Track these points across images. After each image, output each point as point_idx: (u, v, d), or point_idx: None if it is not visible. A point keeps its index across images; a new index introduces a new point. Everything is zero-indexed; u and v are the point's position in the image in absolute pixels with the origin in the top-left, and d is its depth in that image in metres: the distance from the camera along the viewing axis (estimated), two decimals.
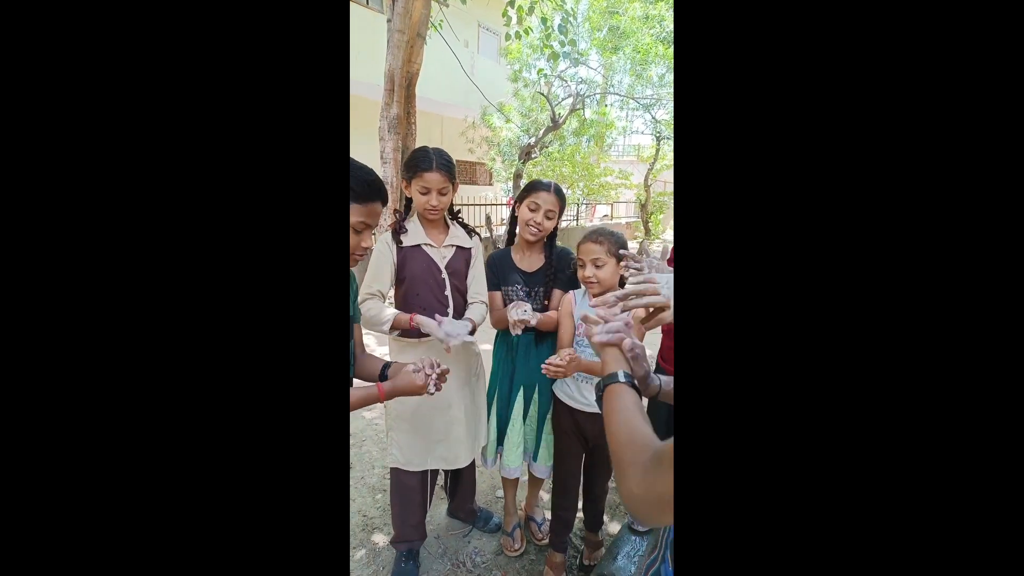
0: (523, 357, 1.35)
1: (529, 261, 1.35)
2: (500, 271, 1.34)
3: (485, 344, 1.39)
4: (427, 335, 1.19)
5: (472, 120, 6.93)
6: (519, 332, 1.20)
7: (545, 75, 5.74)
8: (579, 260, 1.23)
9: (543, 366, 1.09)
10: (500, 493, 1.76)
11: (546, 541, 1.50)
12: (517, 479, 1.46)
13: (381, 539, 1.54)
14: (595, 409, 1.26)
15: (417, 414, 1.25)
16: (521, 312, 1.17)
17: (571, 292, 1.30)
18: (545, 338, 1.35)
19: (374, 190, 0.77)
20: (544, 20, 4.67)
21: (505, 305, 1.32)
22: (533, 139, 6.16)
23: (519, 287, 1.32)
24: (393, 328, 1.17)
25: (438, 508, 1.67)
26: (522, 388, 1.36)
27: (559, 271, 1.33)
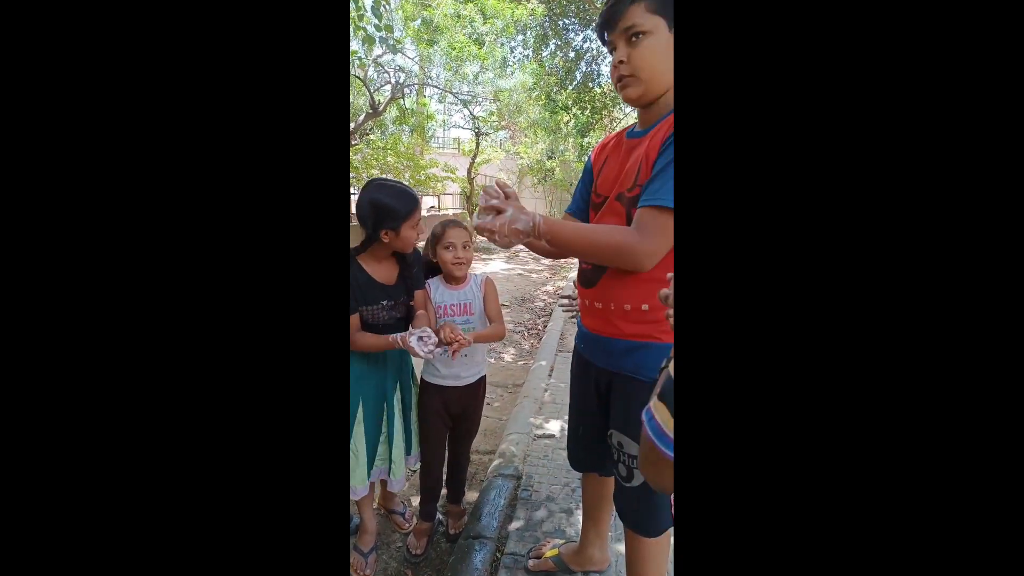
0: (393, 362, 1.31)
1: (386, 272, 1.25)
2: (358, 291, 1.20)
3: None
4: None
5: None
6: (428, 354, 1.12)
7: (360, 59, 5.43)
8: (448, 244, 1.27)
9: (451, 349, 1.15)
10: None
11: (411, 526, 1.53)
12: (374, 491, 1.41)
13: None
14: (461, 382, 1.35)
15: None
16: (427, 350, 1.10)
17: (428, 281, 1.35)
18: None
19: None
20: (355, 0, 4.40)
21: (367, 323, 1.22)
22: (352, 125, 5.79)
23: (384, 303, 1.23)
24: None
25: None
26: (396, 393, 1.32)
27: (416, 273, 1.30)
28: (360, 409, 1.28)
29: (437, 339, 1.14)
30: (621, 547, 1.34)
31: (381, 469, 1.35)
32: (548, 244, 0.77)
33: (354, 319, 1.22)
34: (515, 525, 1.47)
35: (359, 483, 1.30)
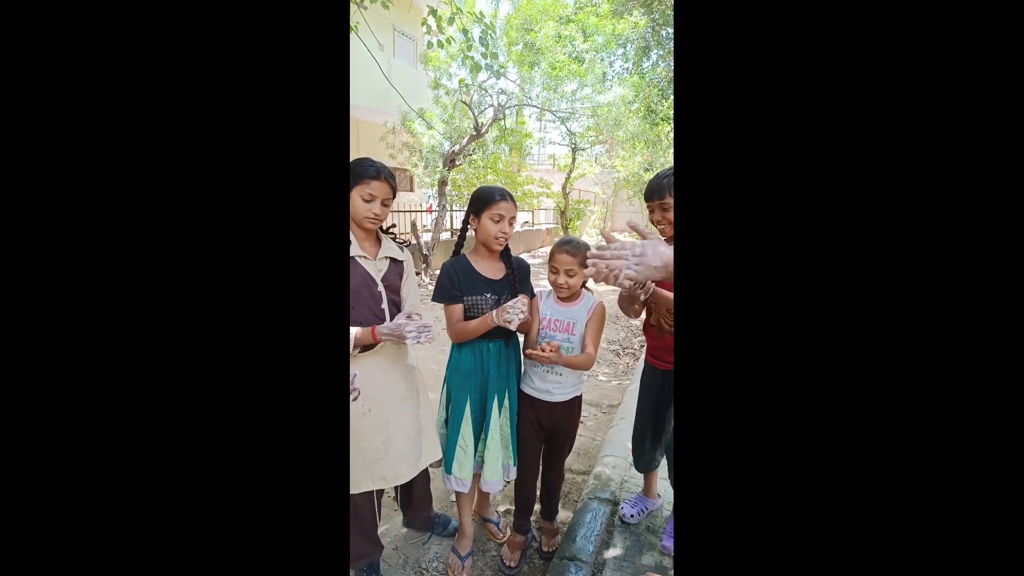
0: (495, 365, 1.36)
1: (491, 269, 1.35)
2: (463, 280, 1.31)
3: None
4: (362, 351, 1.18)
5: (392, 125, 6.78)
6: (512, 324, 1.17)
7: (467, 85, 5.83)
8: (552, 268, 1.31)
9: (530, 352, 1.18)
10: (454, 497, 1.77)
11: (505, 538, 1.55)
12: (474, 494, 1.45)
13: None
14: (553, 398, 1.35)
15: (352, 435, 1.19)
16: (519, 311, 1.15)
17: (539, 291, 1.40)
18: (511, 342, 1.40)
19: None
20: (465, 31, 4.75)
21: (467, 316, 1.31)
22: (457, 146, 6.20)
23: (488, 295, 1.31)
24: (355, 345, 1.13)
25: (394, 520, 1.65)
26: (495, 397, 1.36)
27: (522, 278, 1.36)
28: (468, 406, 1.35)
29: (523, 311, 1.17)
30: None
31: (478, 463, 1.40)
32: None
33: (456, 309, 1.30)
34: (612, 553, 1.41)
35: (467, 476, 1.37)
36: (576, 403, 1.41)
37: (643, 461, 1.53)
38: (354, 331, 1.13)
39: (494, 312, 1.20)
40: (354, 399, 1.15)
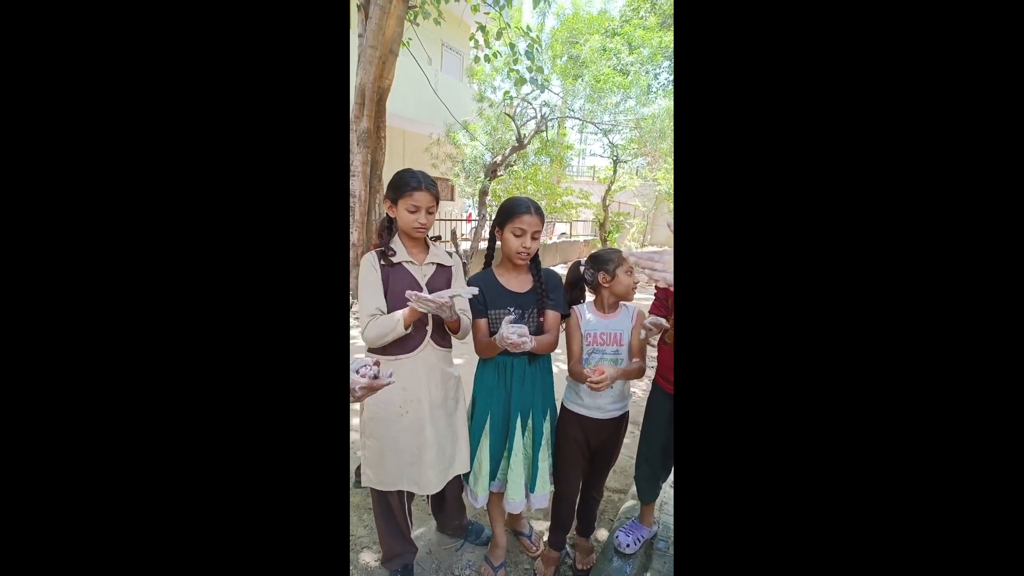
0: (519, 382, 1.32)
1: (518, 282, 1.32)
2: (487, 295, 1.29)
3: (458, 359, 1.38)
4: (404, 353, 1.21)
5: (437, 137, 6.99)
6: (520, 349, 1.15)
7: (511, 97, 5.93)
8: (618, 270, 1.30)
9: (590, 383, 1.16)
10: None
11: (539, 552, 1.53)
12: (509, 514, 1.42)
13: (370, 558, 1.50)
14: (603, 415, 1.32)
15: (388, 435, 1.23)
16: (518, 335, 1.12)
17: (576, 307, 1.35)
18: (537, 359, 1.34)
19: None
20: (511, 46, 4.84)
21: (492, 332, 1.28)
22: (499, 158, 6.30)
23: (512, 309, 1.28)
24: (406, 324, 1.17)
25: (429, 523, 1.66)
26: (519, 415, 1.32)
27: (550, 291, 1.33)
28: (488, 422, 1.33)
29: (527, 330, 1.14)
30: None
31: (500, 482, 1.37)
32: None
33: (481, 323, 1.30)
34: (649, 575, 1.36)
35: (481, 491, 1.35)
36: (625, 419, 1.37)
37: (648, 491, 1.45)
38: (400, 312, 1.17)
39: (496, 336, 1.18)
40: (390, 382, 1.15)
